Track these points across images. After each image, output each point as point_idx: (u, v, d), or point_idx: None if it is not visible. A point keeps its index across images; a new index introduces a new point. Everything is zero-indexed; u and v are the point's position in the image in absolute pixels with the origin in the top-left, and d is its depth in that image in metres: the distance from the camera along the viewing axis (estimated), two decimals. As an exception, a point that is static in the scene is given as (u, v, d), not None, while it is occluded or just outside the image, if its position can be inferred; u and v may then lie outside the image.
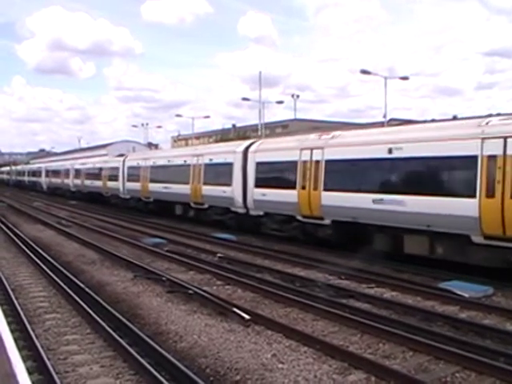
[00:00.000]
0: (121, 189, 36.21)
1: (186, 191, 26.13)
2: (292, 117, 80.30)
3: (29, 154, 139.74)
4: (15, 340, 7.84)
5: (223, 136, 70.37)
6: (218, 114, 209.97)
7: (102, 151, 76.02)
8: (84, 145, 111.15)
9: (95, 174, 42.81)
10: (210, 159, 24.79)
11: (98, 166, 43.09)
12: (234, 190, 22.19)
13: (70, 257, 17.57)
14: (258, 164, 20.91)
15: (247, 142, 23.02)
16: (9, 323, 9.07)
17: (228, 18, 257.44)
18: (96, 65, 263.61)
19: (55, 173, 58.55)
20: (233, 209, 22.61)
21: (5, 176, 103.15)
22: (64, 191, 53.84)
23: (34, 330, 9.42)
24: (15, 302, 11.29)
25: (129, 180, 34.95)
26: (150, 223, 27.35)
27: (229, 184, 22.53)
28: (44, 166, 66.79)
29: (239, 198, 21.89)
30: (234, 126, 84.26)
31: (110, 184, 38.59)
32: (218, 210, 23.92)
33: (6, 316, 9.76)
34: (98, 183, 41.60)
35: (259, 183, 20.67)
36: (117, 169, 37.27)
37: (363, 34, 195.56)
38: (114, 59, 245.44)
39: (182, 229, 24.62)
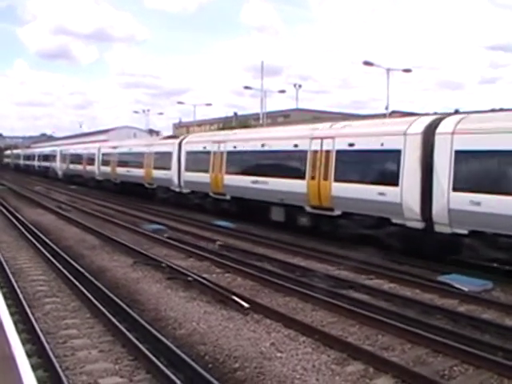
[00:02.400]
0: (175, 180, 27.67)
1: (296, 189, 18.35)
2: (294, 106, 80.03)
3: (30, 138, 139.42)
4: (15, 323, 7.85)
5: (225, 124, 70.15)
6: (219, 102, 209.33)
7: (103, 137, 75.36)
8: (86, 130, 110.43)
9: (134, 161, 33.46)
10: (350, 144, 16.68)
11: (138, 150, 33.70)
12: (403, 193, 14.77)
13: (70, 241, 17.59)
14: (461, 153, 13.33)
15: (427, 119, 15.43)
16: (8, 306, 9.09)
17: (231, 6, 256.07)
18: (98, 50, 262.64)
19: (75, 157, 48.35)
20: (397, 221, 15.08)
21: (10, 160, 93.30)
22: (86, 180, 44.31)
23: (33, 314, 9.45)
24: (15, 285, 11.32)
25: (189, 169, 26.38)
26: (150, 209, 27.32)
27: (393, 183, 15.09)
28: (59, 150, 55.85)
29: (414, 205, 14.48)
30: (235, 114, 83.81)
31: (158, 174, 29.74)
32: (364, 220, 16.16)
33: (6, 299, 9.77)
34: (139, 172, 32.25)
35: (465, 184, 13.28)
36: (168, 154, 28.54)
37: (367, 25, 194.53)
38: (116, 45, 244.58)
39: (181, 215, 24.55)
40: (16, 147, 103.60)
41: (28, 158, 75.76)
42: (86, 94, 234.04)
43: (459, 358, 7.70)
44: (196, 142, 27.06)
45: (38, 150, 73.53)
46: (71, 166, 49.61)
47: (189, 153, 26.80)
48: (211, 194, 24.18)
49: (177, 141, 28.72)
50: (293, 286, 11.58)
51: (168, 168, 28.40)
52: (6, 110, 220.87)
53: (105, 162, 39.52)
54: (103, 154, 40.39)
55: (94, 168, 41.87)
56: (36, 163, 68.27)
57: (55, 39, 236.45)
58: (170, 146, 28.92)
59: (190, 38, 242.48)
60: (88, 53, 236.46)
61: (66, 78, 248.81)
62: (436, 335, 8.38)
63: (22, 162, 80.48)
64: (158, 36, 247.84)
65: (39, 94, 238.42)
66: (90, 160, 42.95)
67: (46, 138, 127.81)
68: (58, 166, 55.03)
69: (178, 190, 27.72)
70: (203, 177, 24.55)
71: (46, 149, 68.97)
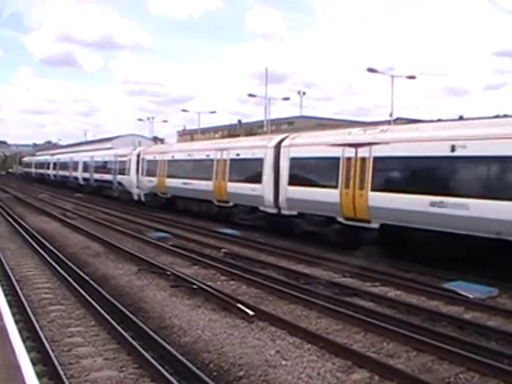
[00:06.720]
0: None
1: None
2: (298, 113, 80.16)
3: (35, 145, 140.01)
4: (19, 331, 7.85)
5: (230, 131, 70.30)
6: (224, 110, 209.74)
7: (108, 144, 74.82)
8: (90, 138, 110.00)
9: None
10: None
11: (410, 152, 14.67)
12: None
13: (74, 249, 17.61)
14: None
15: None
16: (13, 314, 9.08)
17: (236, 13, 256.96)
18: (103, 57, 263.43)
19: (181, 166, 27.81)
20: None
21: (33, 170, 74.42)
22: (231, 212, 23.43)
23: (38, 322, 9.45)
24: (20, 292, 11.32)
25: None
26: (155, 217, 27.30)
27: None
28: (136, 153, 34.43)
29: None
30: (239, 121, 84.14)
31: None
32: None
33: (11, 307, 9.75)
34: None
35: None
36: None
37: (371, 32, 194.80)
38: (121, 52, 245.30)
39: (186, 223, 24.53)
40: (22, 156, 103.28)
41: (65, 167, 53.78)
42: (91, 101, 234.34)
43: (465, 366, 7.66)
44: None
45: (81, 155, 50.52)
46: (173, 183, 27.99)
47: None
48: None
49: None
50: (297, 293, 11.55)
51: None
52: (11, 118, 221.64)
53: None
54: (235, 160, 22.73)
55: (208, 183, 23.23)
56: (80, 175, 47.57)
57: (60, 47, 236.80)
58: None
59: (194, 46, 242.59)
60: (93, 60, 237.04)
61: (71, 86, 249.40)
62: (441, 342, 8.34)
63: (51, 172, 61.28)
64: (162, 43, 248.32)
65: (44, 101, 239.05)
66: (205, 170, 24.08)
67: (51, 145, 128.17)
68: (132, 181, 34.10)
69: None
70: None
71: (98, 153, 46.83)
